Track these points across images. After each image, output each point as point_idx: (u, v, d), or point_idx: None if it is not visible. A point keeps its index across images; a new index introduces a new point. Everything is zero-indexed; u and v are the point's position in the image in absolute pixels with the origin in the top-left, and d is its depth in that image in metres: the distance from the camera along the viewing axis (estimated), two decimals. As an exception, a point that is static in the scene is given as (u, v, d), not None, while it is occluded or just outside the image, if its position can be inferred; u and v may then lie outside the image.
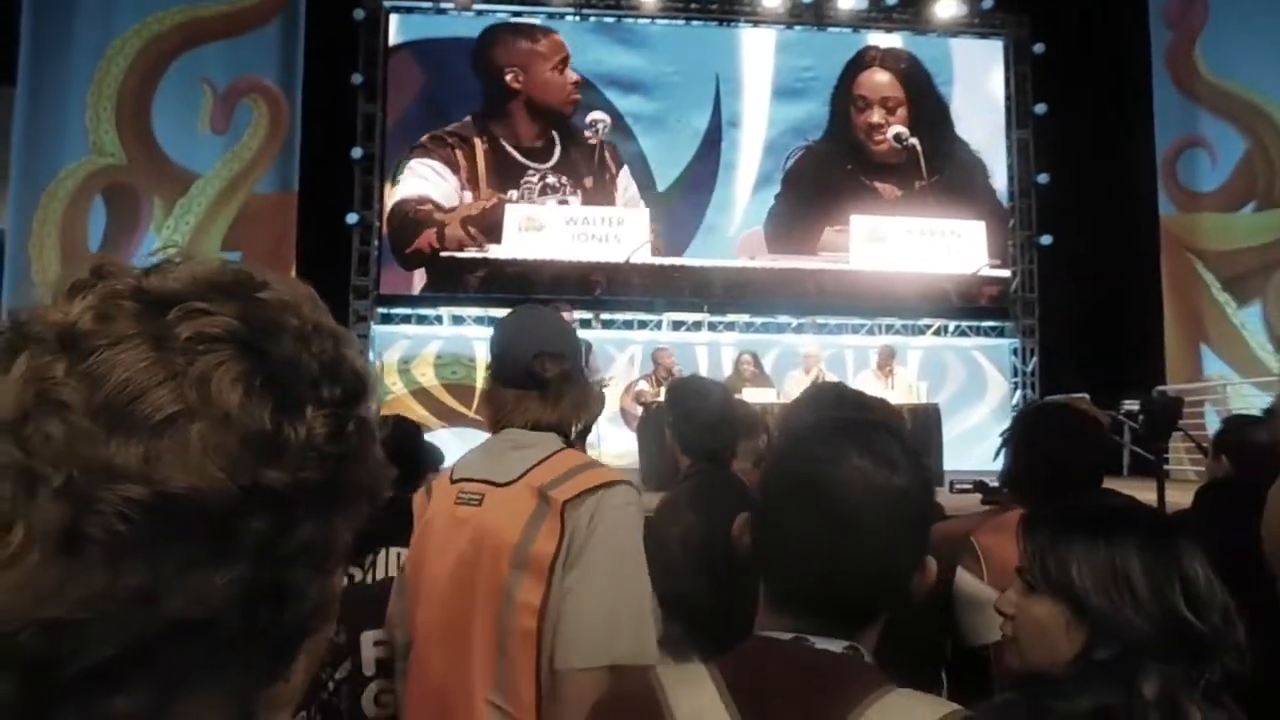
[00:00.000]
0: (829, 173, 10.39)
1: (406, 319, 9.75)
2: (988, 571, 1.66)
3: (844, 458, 0.90)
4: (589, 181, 9.97)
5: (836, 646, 0.88)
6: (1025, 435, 1.88)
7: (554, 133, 9.98)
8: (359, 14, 9.89)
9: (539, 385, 1.50)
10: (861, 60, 10.57)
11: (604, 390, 7.38)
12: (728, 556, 0.99)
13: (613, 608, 1.34)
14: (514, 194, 9.84)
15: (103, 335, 0.43)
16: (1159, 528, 1.05)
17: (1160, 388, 8.45)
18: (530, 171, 9.93)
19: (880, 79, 10.49)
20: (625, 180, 10.14)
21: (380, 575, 2.01)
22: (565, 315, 7.47)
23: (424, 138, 9.84)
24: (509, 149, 9.90)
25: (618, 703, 1.00)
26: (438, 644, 1.40)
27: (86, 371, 0.42)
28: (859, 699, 0.84)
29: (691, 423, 2.31)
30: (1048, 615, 1.12)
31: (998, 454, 1.91)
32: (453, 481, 1.50)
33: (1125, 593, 1.03)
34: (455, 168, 9.81)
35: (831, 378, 7.61)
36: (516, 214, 9.78)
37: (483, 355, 8.17)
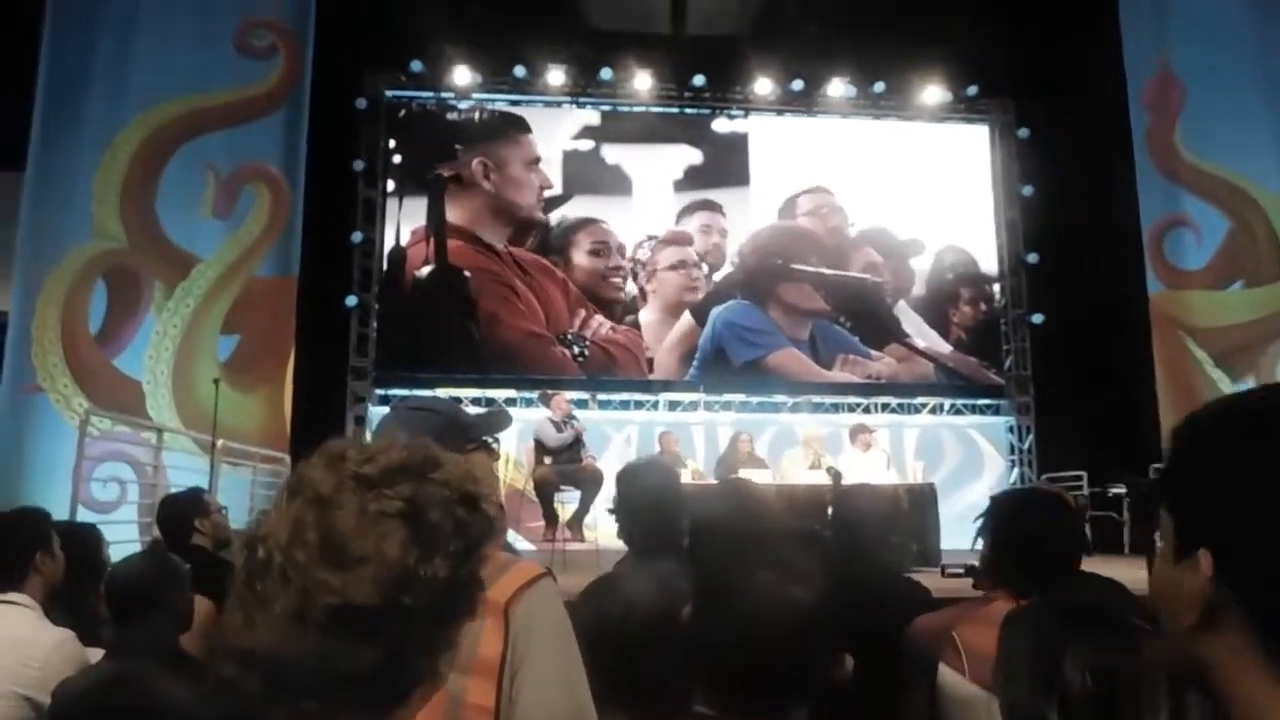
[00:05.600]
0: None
1: (403, 400, 9.76)
2: (968, 665, 1.65)
3: (750, 570, 1.01)
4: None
5: None
6: (1002, 521, 1.89)
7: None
8: (361, 103, 10.18)
9: None
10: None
11: (599, 467, 7.29)
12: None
13: (565, 705, 1.35)
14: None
15: (335, 503, 0.77)
16: (1050, 620, 1.10)
17: (1156, 465, 8.44)
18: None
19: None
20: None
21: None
22: (557, 399, 7.54)
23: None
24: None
25: None
26: None
27: (322, 524, 0.76)
28: None
29: (623, 509, 2.30)
30: None
31: (975, 540, 1.92)
32: None
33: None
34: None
35: (829, 460, 7.63)
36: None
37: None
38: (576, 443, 7.44)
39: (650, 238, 10.41)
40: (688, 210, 10.53)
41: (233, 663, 0.76)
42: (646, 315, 10.28)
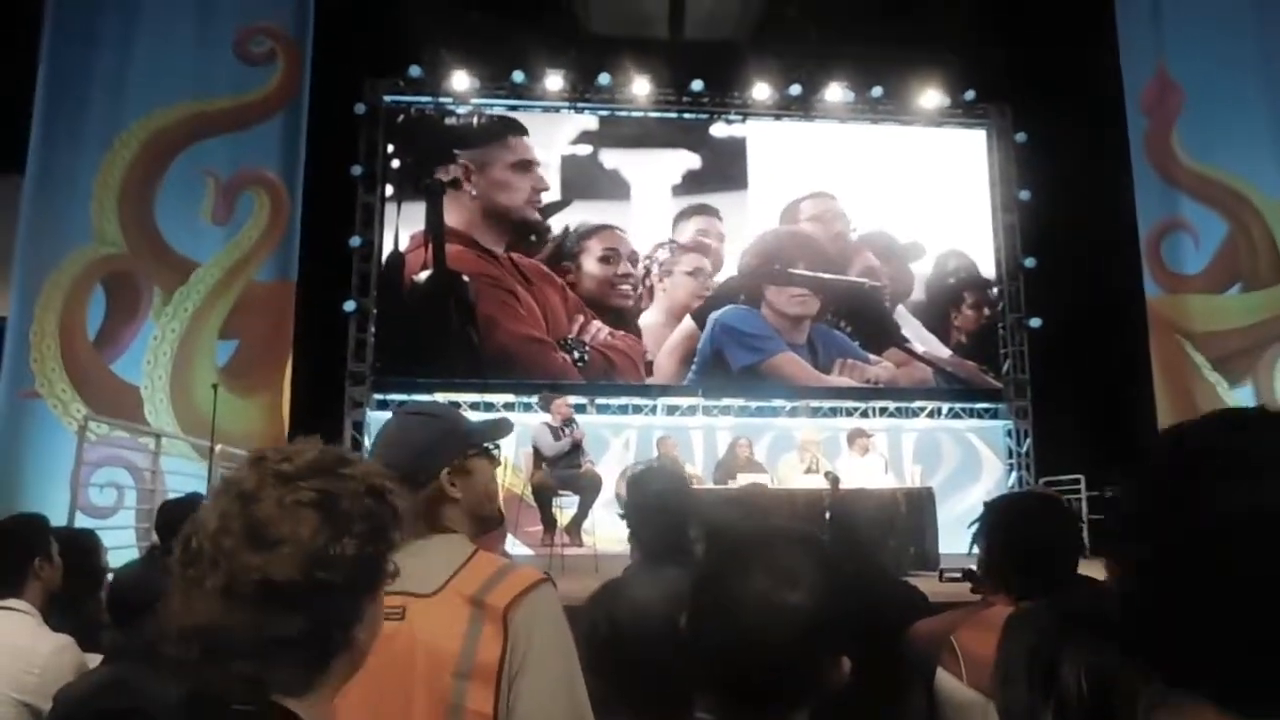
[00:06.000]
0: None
1: (402, 405, 9.75)
2: (966, 671, 1.65)
3: (747, 576, 1.01)
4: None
5: None
6: (999, 525, 1.89)
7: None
8: (360, 108, 10.19)
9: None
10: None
11: (597, 472, 7.29)
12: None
13: (564, 711, 1.36)
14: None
15: (257, 497, 0.91)
16: (1051, 624, 1.10)
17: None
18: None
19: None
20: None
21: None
22: (558, 402, 7.54)
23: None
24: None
25: None
26: None
27: (245, 514, 0.90)
28: None
29: (633, 514, 2.31)
30: None
31: (972, 545, 1.92)
32: None
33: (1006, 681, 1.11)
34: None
35: (825, 464, 7.63)
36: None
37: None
38: (574, 450, 7.41)
39: (671, 241, 10.43)
40: (684, 215, 10.54)
41: (174, 638, 0.89)
42: (651, 316, 10.28)
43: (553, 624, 1.40)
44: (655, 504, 2.32)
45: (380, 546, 0.95)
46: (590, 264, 10.28)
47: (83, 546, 2.96)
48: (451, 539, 1.49)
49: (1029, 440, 10.59)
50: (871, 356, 10.45)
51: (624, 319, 10.23)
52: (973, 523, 1.92)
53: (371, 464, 1.00)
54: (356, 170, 10.14)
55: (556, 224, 10.36)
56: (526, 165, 10.39)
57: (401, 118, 10.46)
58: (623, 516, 2.40)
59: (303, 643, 0.89)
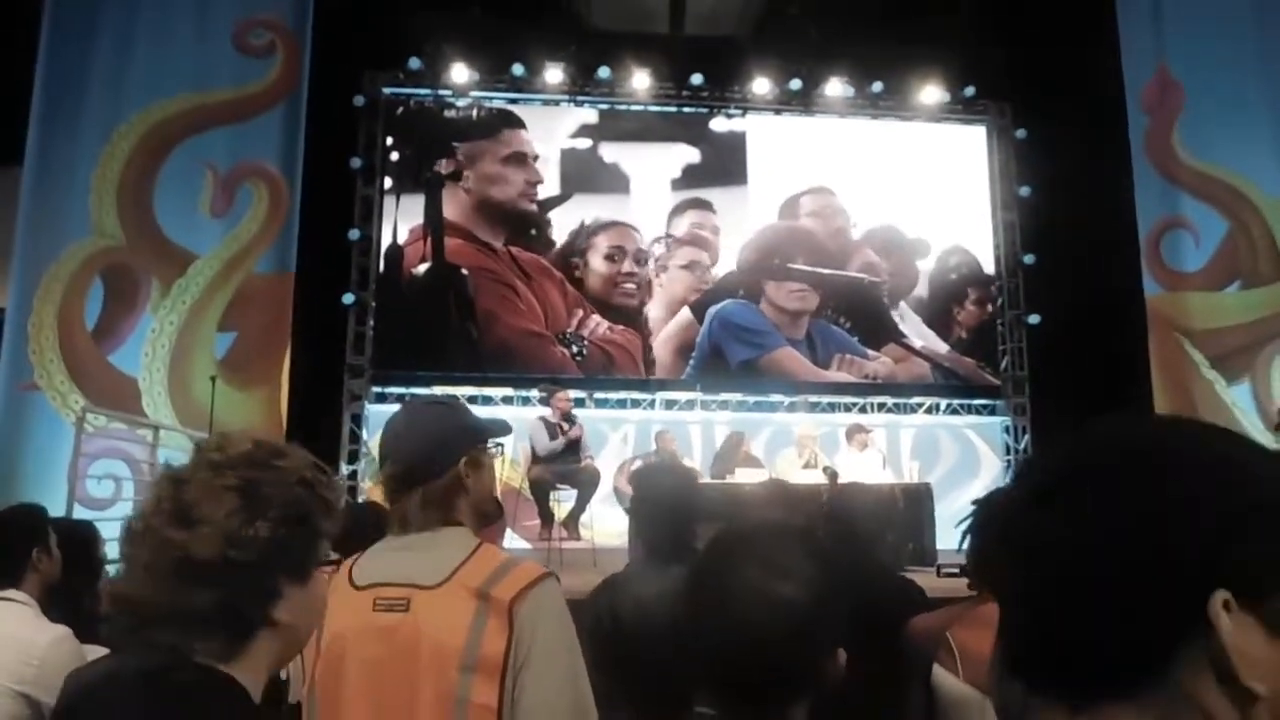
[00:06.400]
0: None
1: (401, 398, 9.77)
2: (963, 667, 1.66)
3: (739, 569, 1.01)
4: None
5: None
6: (991, 521, 1.88)
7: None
8: (359, 100, 10.17)
9: (387, 487, 1.55)
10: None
11: (596, 467, 7.29)
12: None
13: (567, 705, 1.37)
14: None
15: (187, 481, 0.99)
16: None
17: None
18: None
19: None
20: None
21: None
22: (559, 395, 7.53)
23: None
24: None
25: None
26: None
27: (175, 496, 0.99)
28: None
29: (639, 510, 2.31)
30: None
31: (962, 542, 1.91)
32: (358, 588, 1.44)
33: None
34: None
35: (823, 459, 7.64)
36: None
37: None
38: (570, 449, 7.38)
39: (668, 235, 10.41)
40: (677, 210, 10.52)
41: (110, 607, 0.98)
42: (651, 311, 10.26)
43: (557, 618, 1.41)
44: (664, 500, 2.31)
45: (301, 531, 1.02)
46: (596, 261, 10.26)
47: (81, 538, 2.96)
48: (457, 531, 1.50)
49: (1027, 437, 10.60)
50: (870, 352, 10.46)
51: (624, 314, 10.22)
52: (960, 521, 1.91)
53: (307, 457, 1.07)
54: (356, 163, 10.11)
55: (571, 218, 10.32)
56: (520, 158, 10.35)
57: (401, 110, 10.44)
58: (629, 511, 2.41)
59: (219, 616, 0.97)
